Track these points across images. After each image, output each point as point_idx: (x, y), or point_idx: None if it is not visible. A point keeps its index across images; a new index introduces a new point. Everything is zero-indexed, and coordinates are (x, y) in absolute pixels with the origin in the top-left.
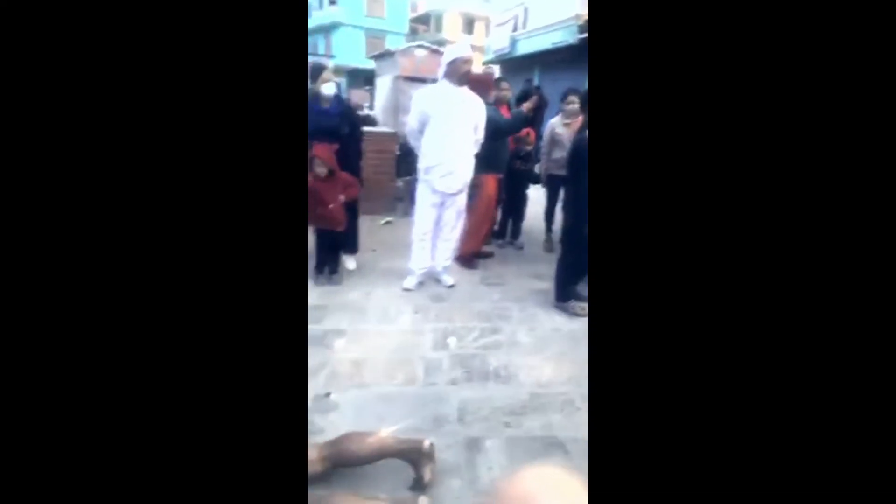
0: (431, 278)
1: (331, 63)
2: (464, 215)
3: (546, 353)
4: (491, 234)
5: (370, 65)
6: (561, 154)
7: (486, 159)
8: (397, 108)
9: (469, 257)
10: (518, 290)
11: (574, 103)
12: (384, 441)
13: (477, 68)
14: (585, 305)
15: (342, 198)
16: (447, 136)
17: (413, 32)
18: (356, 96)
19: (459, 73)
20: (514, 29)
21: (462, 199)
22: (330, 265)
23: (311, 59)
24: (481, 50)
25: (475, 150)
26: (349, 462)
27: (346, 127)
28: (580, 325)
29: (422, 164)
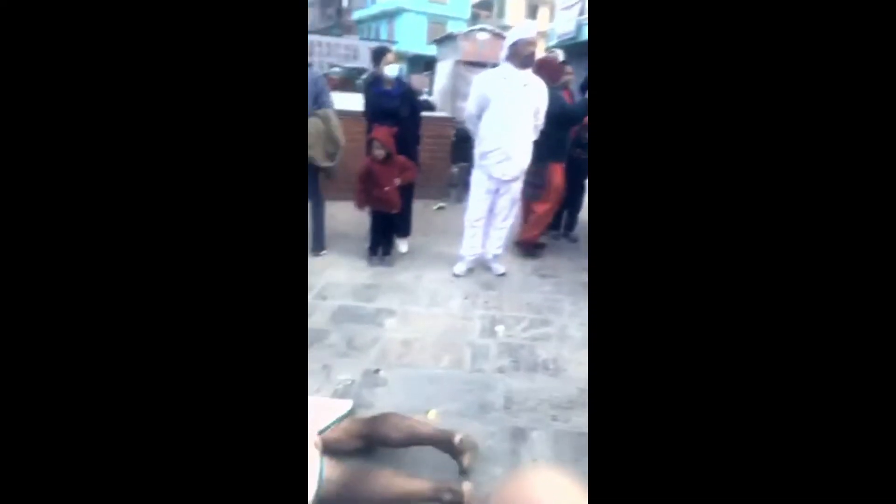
0: (482, 266)
1: (393, 48)
2: (518, 204)
3: None
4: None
5: (431, 51)
6: None
7: (551, 147)
8: (456, 93)
9: (529, 245)
10: (571, 284)
11: None
12: (418, 428)
13: (541, 54)
14: None
15: (397, 181)
16: (506, 121)
17: (475, 18)
18: (416, 81)
19: (522, 56)
20: (581, 13)
21: (517, 187)
22: (383, 247)
23: (374, 43)
24: (545, 35)
25: (534, 136)
26: (382, 443)
27: (406, 110)
28: None
29: (478, 150)
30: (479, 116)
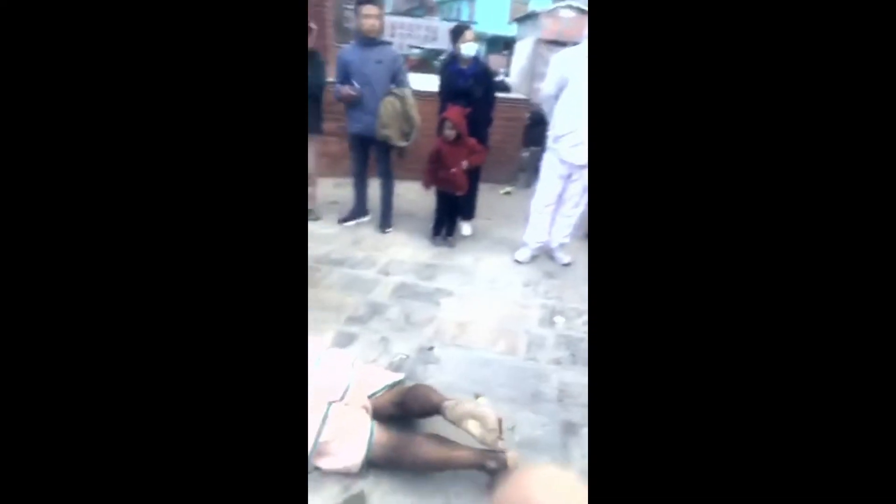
0: (546, 254)
1: (472, 27)
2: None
3: None
4: None
5: (512, 32)
6: None
7: None
8: (534, 73)
9: None
10: None
11: None
12: (433, 400)
13: None
14: None
15: (465, 164)
16: (584, 104)
17: None
18: (493, 62)
19: None
20: None
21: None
22: (447, 228)
23: (453, 23)
24: None
25: None
26: (409, 413)
27: (480, 90)
28: None
29: (552, 132)
30: (556, 97)
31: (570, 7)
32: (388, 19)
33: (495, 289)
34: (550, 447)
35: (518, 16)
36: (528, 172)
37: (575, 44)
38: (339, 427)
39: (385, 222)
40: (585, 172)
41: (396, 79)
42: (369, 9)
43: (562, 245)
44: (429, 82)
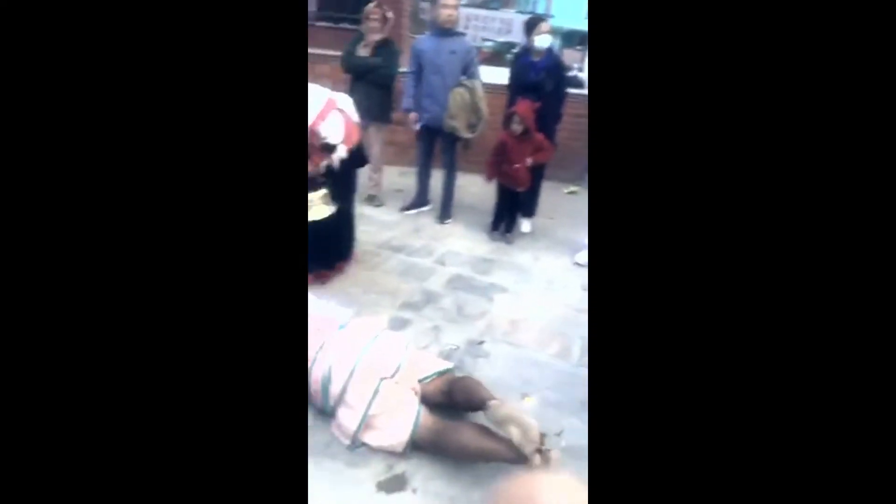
0: None
1: (548, 20)
2: None
3: None
4: None
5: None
6: None
7: None
8: None
9: None
10: None
11: None
12: (479, 394)
13: None
14: None
15: (529, 160)
16: None
17: None
18: (568, 56)
19: None
20: None
21: None
22: (506, 223)
23: (528, 15)
24: None
25: None
26: (455, 405)
27: (551, 84)
28: None
29: None
30: None
31: None
32: (463, 11)
33: (552, 290)
34: None
35: None
36: None
37: None
38: (387, 403)
39: (445, 213)
40: None
41: (468, 70)
42: None
43: None
44: (499, 75)
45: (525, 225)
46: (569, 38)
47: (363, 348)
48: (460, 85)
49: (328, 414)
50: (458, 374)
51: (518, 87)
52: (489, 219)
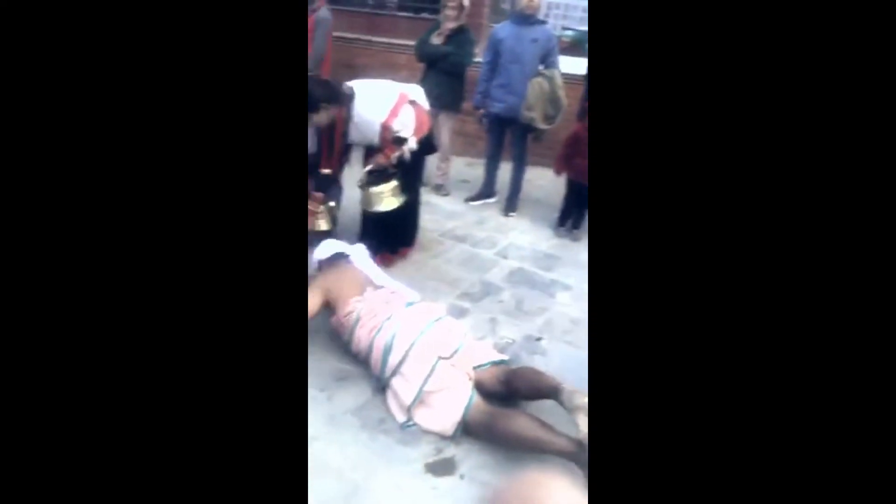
0: None
1: None
2: None
3: None
4: None
5: None
6: None
7: None
8: None
9: None
10: None
11: None
12: (545, 382)
13: None
14: None
15: None
16: None
17: None
18: None
19: None
20: None
21: None
22: (574, 219)
23: None
24: None
25: None
26: (515, 393)
27: None
28: None
29: None
30: None
31: None
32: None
33: None
34: None
35: None
36: None
37: None
38: (442, 382)
39: (511, 205)
40: None
41: (547, 60)
42: None
43: None
44: (577, 65)
45: None
46: None
47: (426, 325)
48: (539, 75)
49: (384, 384)
50: (515, 366)
51: None
52: (556, 214)
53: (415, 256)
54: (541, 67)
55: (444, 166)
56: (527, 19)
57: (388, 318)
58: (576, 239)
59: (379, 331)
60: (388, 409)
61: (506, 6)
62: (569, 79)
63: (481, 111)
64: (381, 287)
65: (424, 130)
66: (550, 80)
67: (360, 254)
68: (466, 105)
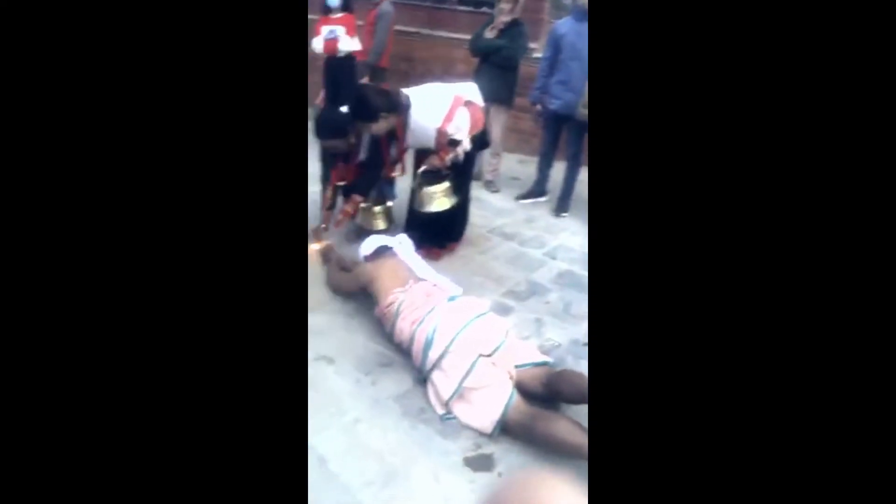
0: None
1: None
2: None
3: None
4: None
5: None
6: None
7: None
8: None
9: None
10: None
11: None
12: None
13: None
14: None
15: None
16: None
17: None
18: None
19: None
20: None
21: None
22: None
23: None
24: None
25: None
26: (558, 396)
27: None
28: None
29: None
30: None
31: None
32: None
33: None
34: None
35: None
36: None
37: None
38: (482, 380)
39: (562, 206)
40: None
41: None
42: None
43: None
44: None
45: None
46: None
47: (468, 321)
48: None
49: (424, 376)
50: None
51: None
52: None
53: (461, 251)
54: None
55: (495, 162)
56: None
57: (430, 312)
58: None
59: (420, 323)
60: (428, 401)
61: (567, 1)
62: None
63: (538, 107)
64: (424, 280)
65: (479, 127)
66: None
67: (403, 246)
68: (522, 101)
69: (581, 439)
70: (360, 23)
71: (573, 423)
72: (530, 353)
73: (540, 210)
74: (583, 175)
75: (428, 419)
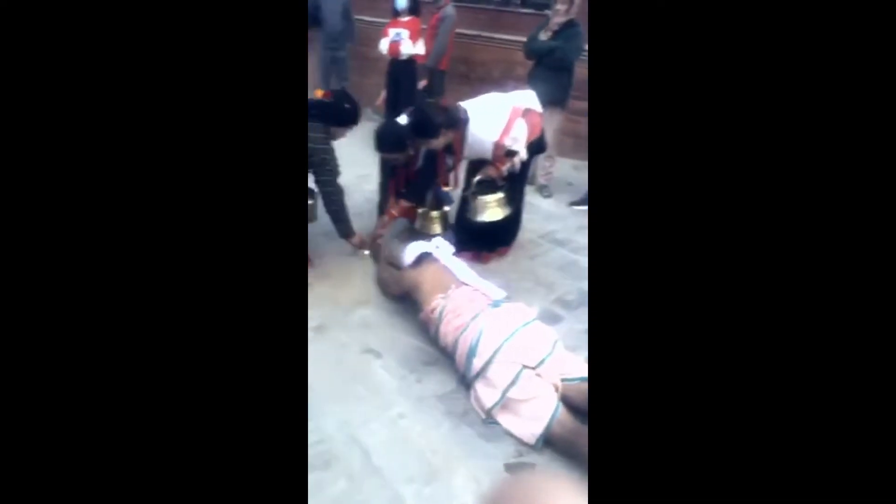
0: None
1: None
2: None
3: None
4: None
5: None
6: None
7: None
8: None
9: None
10: None
11: None
12: None
13: None
14: None
15: None
16: None
17: None
18: None
19: None
20: None
21: None
22: None
23: None
24: None
25: None
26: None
27: None
28: None
29: None
30: None
31: None
32: None
33: None
34: None
35: None
36: None
37: None
38: (526, 392)
39: None
40: None
41: None
42: None
43: None
44: None
45: None
46: None
47: (513, 331)
48: None
49: (468, 383)
50: None
51: None
52: None
53: (511, 255)
54: None
55: (549, 165)
56: None
57: (474, 318)
58: None
59: (464, 330)
60: (471, 405)
61: None
62: None
63: None
64: (465, 284)
65: (536, 134)
66: None
67: (441, 250)
68: (578, 104)
69: None
70: (424, 26)
71: None
72: (578, 367)
73: None
74: None
75: (471, 421)
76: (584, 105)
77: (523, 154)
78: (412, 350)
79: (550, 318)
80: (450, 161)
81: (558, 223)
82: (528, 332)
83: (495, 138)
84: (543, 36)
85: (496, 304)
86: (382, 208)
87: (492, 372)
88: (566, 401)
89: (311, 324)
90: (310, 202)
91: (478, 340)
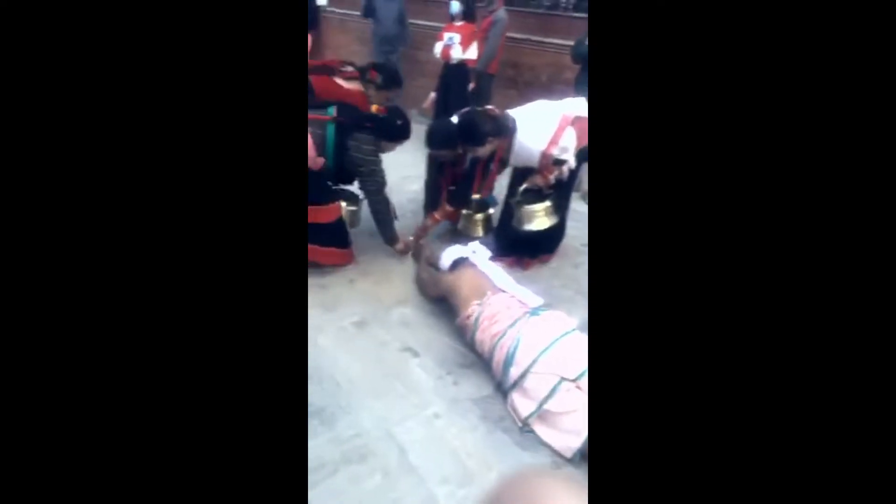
0: None
1: None
2: None
3: None
4: None
5: None
6: None
7: None
8: None
9: None
10: None
11: None
12: None
13: None
14: None
15: None
16: None
17: None
18: None
19: None
20: None
21: None
22: None
23: None
24: None
25: None
26: None
27: None
28: None
29: None
30: None
31: None
32: None
33: None
34: None
35: None
36: None
37: None
38: (564, 405)
39: None
40: None
41: None
42: None
43: None
44: None
45: None
46: None
47: (552, 341)
48: None
49: (504, 391)
50: None
51: None
52: None
53: (553, 263)
54: None
55: (582, 174)
56: None
57: (512, 325)
58: None
59: (501, 337)
60: (507, 412)
61: None
62: None
63: None
64: (502, 290)
65: (585, 141)
66: None
67: (478, 255)
68: None
69: None
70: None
71: None
72: None
73: None
74: None
75: (507, 428)
76: None
77: (572, 163)
78: (449, 351)
79: None
80: (492, 168)
81: None
82: (568, 343)
83: (542, 147)
84: None
85: (535, 312)
86: (428, 207)
87: (529, 383)
88: None
89: (352, 319)
90: (353, 209)
91: (515, 349)
